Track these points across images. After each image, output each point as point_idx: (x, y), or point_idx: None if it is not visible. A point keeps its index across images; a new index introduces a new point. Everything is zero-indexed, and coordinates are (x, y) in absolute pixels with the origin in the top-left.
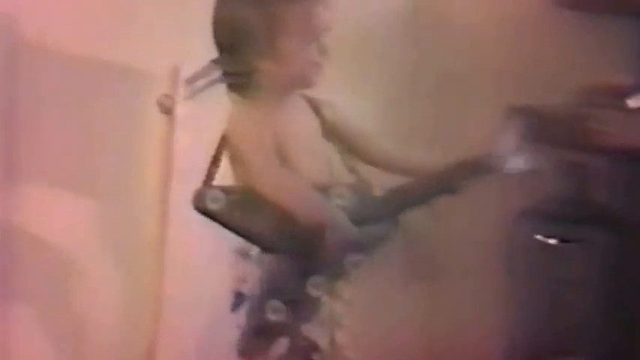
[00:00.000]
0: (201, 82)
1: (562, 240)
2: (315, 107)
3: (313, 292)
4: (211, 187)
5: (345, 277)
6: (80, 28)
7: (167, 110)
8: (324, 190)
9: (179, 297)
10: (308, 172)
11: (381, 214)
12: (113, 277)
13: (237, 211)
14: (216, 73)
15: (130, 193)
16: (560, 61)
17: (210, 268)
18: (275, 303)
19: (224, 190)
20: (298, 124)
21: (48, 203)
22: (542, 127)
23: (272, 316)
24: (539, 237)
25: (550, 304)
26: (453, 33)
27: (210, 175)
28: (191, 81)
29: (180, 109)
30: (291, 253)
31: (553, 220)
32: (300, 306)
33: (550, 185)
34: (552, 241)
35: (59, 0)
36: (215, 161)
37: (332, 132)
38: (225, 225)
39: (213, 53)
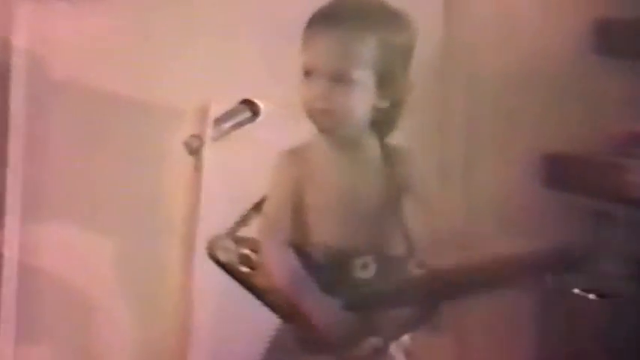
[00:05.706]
0: (229, 123)
1: (599, 295)
2: (389, 157)
3: None
4: (226, 235)
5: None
6: (108, 67)
7: (194, 151)
8: (345, 258)
9: (201, 337)
10: (328, 234)
11: (409, 298)
12: (133, 318)
13: (244, 265)
14: (246, 114)
15: (152, 234)
16: (596, 108)
17: (236, 309)
18: None
19: (237, 240)
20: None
21: (68, 242)
22: (576, 176)
23: None
24: (577, 291)
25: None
26: (482, 78)
27: (242, 221)
28: (219, 121)
29: (208, 151)
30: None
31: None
32: None
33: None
34: (591, 296)
35: (88, 40)
36: (255, 206)
37: (403, 188)
38: (233, 278)
39: (242, 94)
